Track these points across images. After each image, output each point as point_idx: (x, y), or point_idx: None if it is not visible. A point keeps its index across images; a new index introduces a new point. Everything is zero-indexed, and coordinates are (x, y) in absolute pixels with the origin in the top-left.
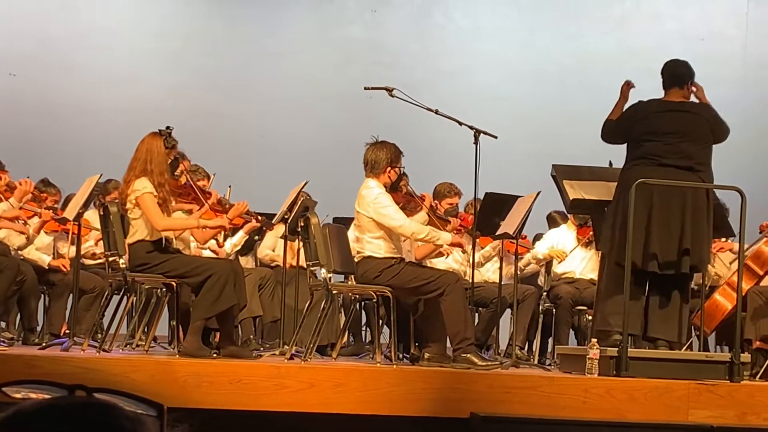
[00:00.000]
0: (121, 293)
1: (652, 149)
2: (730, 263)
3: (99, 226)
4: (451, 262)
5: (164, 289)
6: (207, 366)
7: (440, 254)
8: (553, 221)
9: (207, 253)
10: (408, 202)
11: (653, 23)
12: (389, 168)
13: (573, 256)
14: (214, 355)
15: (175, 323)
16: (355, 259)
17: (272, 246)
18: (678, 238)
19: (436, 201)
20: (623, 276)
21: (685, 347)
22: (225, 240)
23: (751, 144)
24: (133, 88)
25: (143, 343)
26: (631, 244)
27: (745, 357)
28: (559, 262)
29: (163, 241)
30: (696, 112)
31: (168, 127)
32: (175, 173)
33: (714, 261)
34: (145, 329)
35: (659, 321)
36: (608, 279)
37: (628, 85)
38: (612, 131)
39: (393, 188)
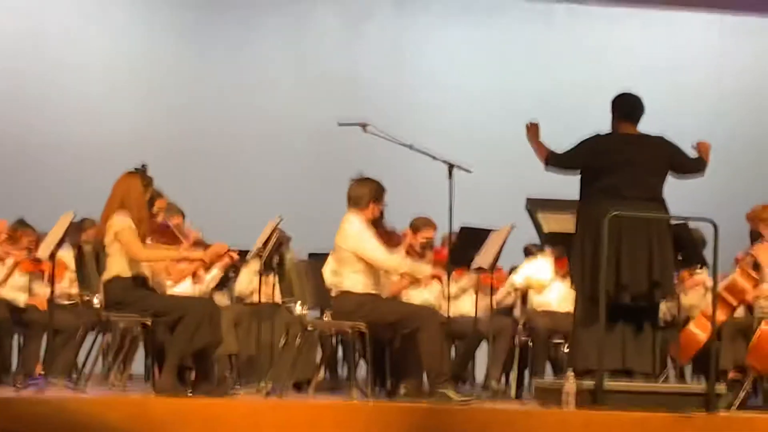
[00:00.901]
0: (96, 332)
1: (613, 182)
2: (705, 294)
3: (73, 265)
4: (427, 295)
5: (139, 328)
6: (183, 404)
7: (418, 284)
8: (529, 253)
9: (183, 287)
10: (388, 239)
11: (625, 55)
12: (372, 204)
13: (549, 288)
14: (190, 393)
15: (150, 361)
16: (332, 293)
17: (249, 282)
18: (647, 269)
19: (411, 233)
20: (595, 311)
21: (661, 379)
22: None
23: (724, 175)
24: (107, 124)
25: (119, 382)
26: (619, 278)
27: (721, 388)
28: (538, 293)
29: (140, 279)
30: (654, 144)
31: (143, 165)
32: (152, 211)
33: (688, 292)
34: (121, 368)
35: (635, 353)
36: (582, 314)
37: (534, 125)
38: (566, 157)
39: (375, 224)
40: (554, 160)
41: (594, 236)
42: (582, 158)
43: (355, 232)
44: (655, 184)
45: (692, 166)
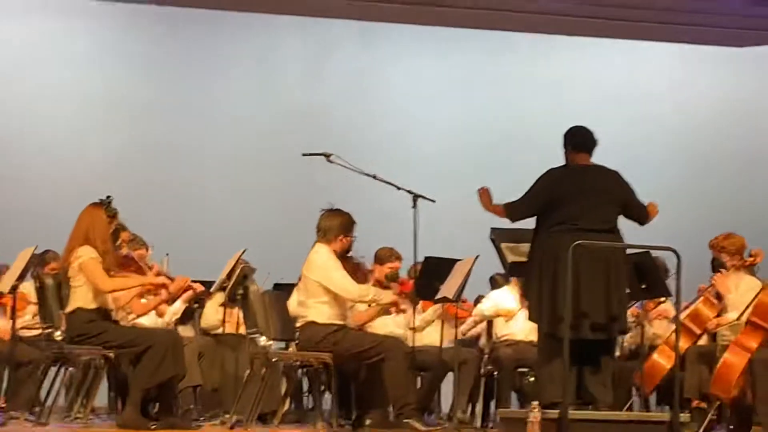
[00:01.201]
0: (59, 365)
1: (570, 213)
2: (669, 323)
3: (35, 298)
4: (393, 326)
5: (102, 360)
6: None
7: (388, 312)
8: (495, 284)
9: (145, 321)
10: (356, 271)
11: (587, 85)
12: (341, 236)
13: (515, 318)
14: (153, 426)
15: (113, 394)
16: (298, 324)
17: (215, 313)
18: (605, 303)
19: (377, 265)
20: (555, 345)
21: (625, 408)
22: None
23: (686, 204)
24: (69, 157)
25: (81, 416)
26: (561, 312)
27: (686, 416)
28: (507, 321)
29: (102, 311)
30: (608, 175)
31: (108, 197)
32: (117, 243)
33: (652, 321)
34: (84, 401)
35: (596, 386)
36: (541, 349)
37: (484, 191)
38: (524, 204)
39: (343, 256)
40: (515, 212)
41: (552, 269)
42: (541, 197)
43: (322, 262)
44: (611, 215)
45: (639, 212)
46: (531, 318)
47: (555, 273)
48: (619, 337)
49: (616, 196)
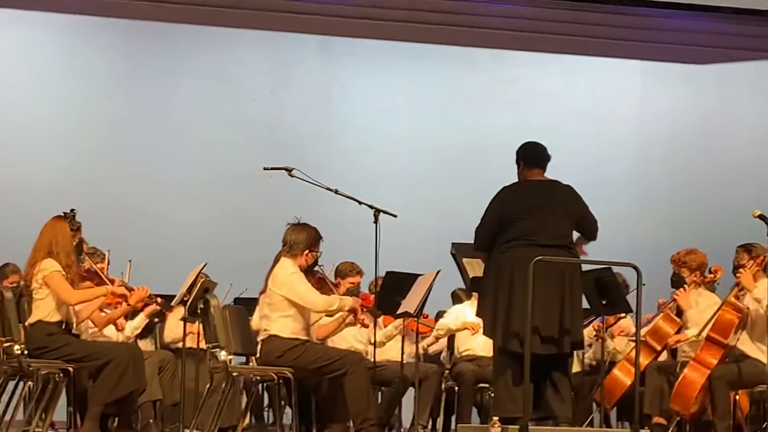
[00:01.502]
0: (17, 379)
1: (524, 229)
2: (629, 339)
3: None
4: (354, 341)
5: (62, 374)
6: None
7: (352, 324)
8: (457, 299)
9: (105, 335)
10: (321, 286)
11: (547, 102)
12: (307, 251)
13: (478, 334)
14: None
15: (72, 409)
16: (261, 337)
17: (177, 327)
18: (558, 318)
19: (338, 279)
20: (508, 360)
21: (585, 423)
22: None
23: (646, 220)
24: (27, 169)
25: (40, 430)
26: (515, 327)
27: None
28: (473, 334)
29: (64, 324)
30: (561, 189)
31: (72, 210)
32: (80, 257)
33: (613, 337)
34: (42, 415)
35: (555, 401)
36: (496, 364)
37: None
38: (484, 230)
39: (308, 271)
40: (478, 242)
41: (508, 284)
42: (495, 216)
43: (287, 276)
44: (565, 230)
45: (590, 226)
46: (485, 333)
47: (510, 288)
48: (579, 352)
49: (570, 211)
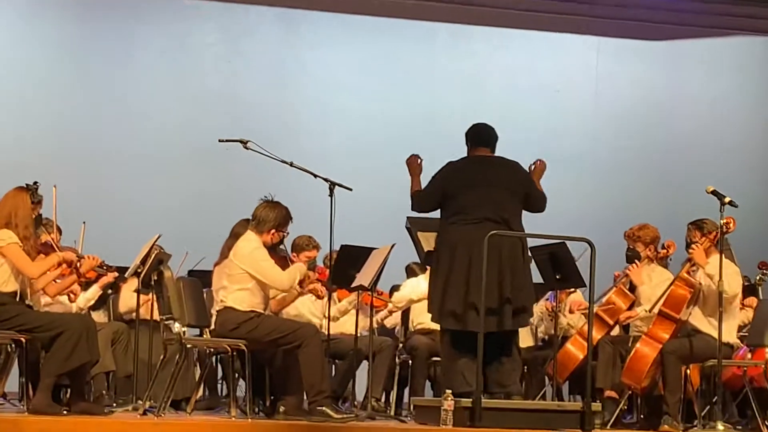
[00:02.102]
0: None
1: (464, 203)
2: (581, 313)
3: None
4: (308, 315)
5: (13, 345)
6: (57, 423)
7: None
8: (411, 272)
9: (59, 307)
10: (283, 265)
11: (507, 75)
12: (274, 230)
13: None
14: (65, 412)
15: (24, 380)
16: (216, 308)
17: (129, 299)
18: (497, 295)
19: (294, 254)
20: (446, 338)
21: (538, 396)
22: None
23: (600, 194)
24: None
25: None
26: (450, 305)
27: (597, 406)
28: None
29: (17, 295)
30: (506, 165)
31: (35, 183)
32: (38, 230)
33: (565, 311)
34: None
35: (502, 376)
36: (441, 341)
37: (416, 158)
38: (424, 197)
39: (272, 249)
40: (418, 203)
41: (447, 262)
42: (437, 189)
43: (250, 251)
44: (506, 205)
45: (537, 202)
46: (429, 310)
47: (449, 266)
48: (532, 326)
49: (514, 187)
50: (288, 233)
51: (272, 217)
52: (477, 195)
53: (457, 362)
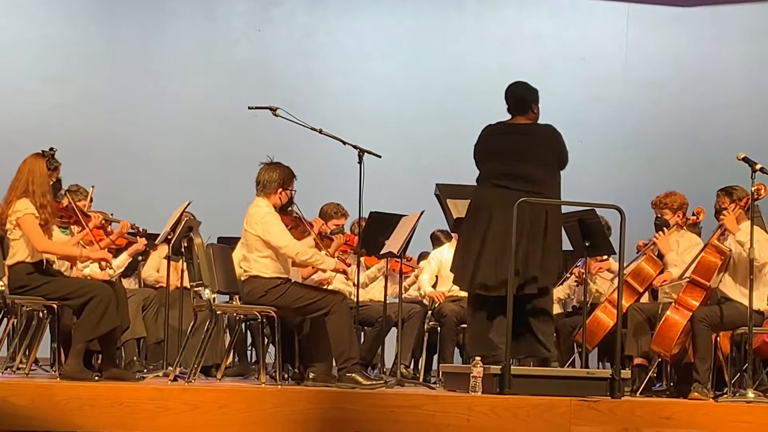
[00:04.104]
0: (1, 316)
1: (489, 170)
2: (611, 280)
3: None
4: (336, 282)
5: (45, 312)
6: (88, 389)
7: (327, 282)
8: (436, 240)
9: (90, 271)
10: (296, 225)
11: (535, 43)
12: (280, 189)
13: None
14: (96, 377)
15: (56, 345)
16: (242, 278)
17: (156, 267)
18: (520, 260)
19: (322, 221)
20: (474, 301)
21: (567, 364)
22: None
23: (630, 162)
24: (15, 109)
25: (24, 366)
26: (477, 269)
27: (626, 373)
28: (437, 304)
29: (44, 263)
30: (536, 133)
31: (51, 149)
32: (57, 195)
33: (595, 278)
34: (26, 352)
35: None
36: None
37: None
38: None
39: (283, 210)
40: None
41: (471, 224)
42: (476, 153)
43: (261, 217)
44: (534, 173)
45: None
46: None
47: (472, 228)
48: (561, 294)
49: (542, 155)
50: (295, 190)
51: (275, 177)
52: (503, 163)
53: (477, 327)
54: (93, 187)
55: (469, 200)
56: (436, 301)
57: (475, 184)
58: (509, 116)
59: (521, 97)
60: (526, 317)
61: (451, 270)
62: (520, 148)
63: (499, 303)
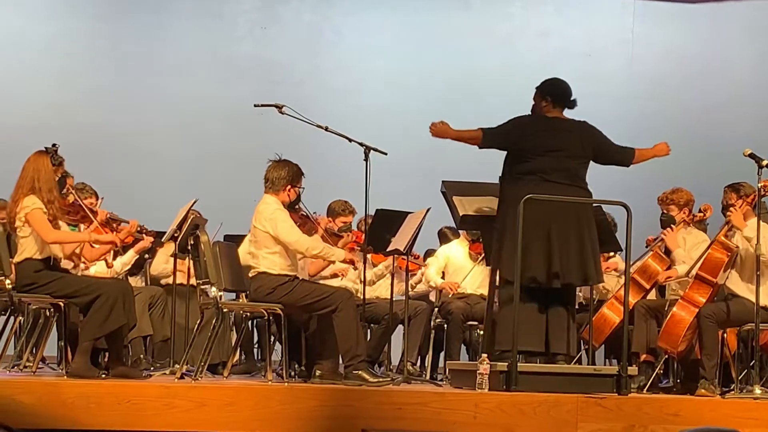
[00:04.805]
0: (8, 314)
1: (538, 165)
2: (618, 277)
3: None
4: (345, 280)
5: (52, 309)
6: (95, 387)
7: (335, 275)
8: (444, 237)
9: (96, 271)
10: (304, 223)
11: (540, 39)
12: (289, 186)
13: (464, 272)
14: (103, 375)
15: (63, 344)
16: (250, 275)
17: (166, 261)
18: (578, 253)
19: (329, 218)
20: (527, 293)
21: (574, 361)
22: (115, 259)
23: None
24: (18, 106)
25: (31, 365)
26: (533, 261)
27: (633, 370)
28: (451, 294)
29: (51, 260)
30: (578, 128)
31: (54, 145)
32: (63, 191)
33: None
34: (33, 350)
35: (557, 337)
36: (507, 296)
37: (437, 124)
38: (499, 135)
39: (290, 207)
40: (490, 138)
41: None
42: (513, 137)
43: (270, 213)
44: (578, 169)
45: (618, 156)
46: (488, 262)
47: (512, 222)
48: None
49: (586, 151)
50: (303, 188)
51: (284, 175)
52: (550, 158)
53: (523, 319)
54: (102, 198)
55: (473, 196)
56: (450, 291)
57: (511, 173)
58: (538, 109)
59: (566, 91)
60: (565, 313)
61: (495, 259)
62: (569, 144)
63: (551, 296)
